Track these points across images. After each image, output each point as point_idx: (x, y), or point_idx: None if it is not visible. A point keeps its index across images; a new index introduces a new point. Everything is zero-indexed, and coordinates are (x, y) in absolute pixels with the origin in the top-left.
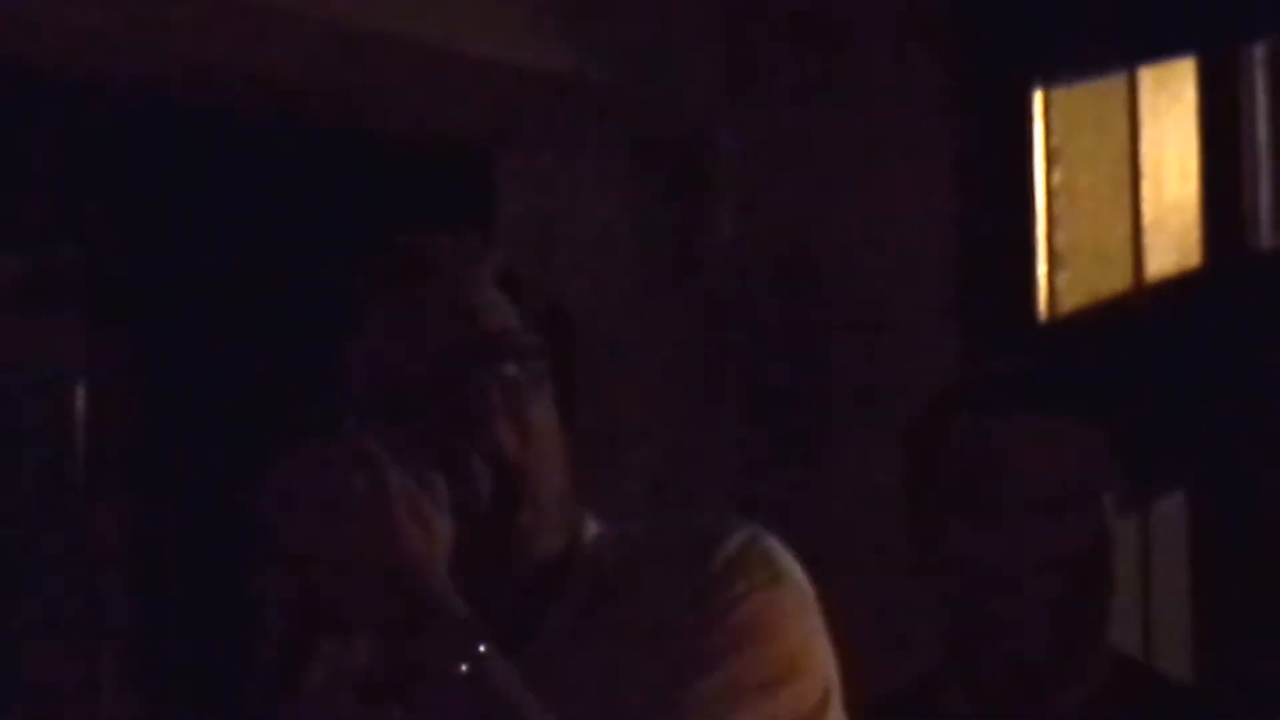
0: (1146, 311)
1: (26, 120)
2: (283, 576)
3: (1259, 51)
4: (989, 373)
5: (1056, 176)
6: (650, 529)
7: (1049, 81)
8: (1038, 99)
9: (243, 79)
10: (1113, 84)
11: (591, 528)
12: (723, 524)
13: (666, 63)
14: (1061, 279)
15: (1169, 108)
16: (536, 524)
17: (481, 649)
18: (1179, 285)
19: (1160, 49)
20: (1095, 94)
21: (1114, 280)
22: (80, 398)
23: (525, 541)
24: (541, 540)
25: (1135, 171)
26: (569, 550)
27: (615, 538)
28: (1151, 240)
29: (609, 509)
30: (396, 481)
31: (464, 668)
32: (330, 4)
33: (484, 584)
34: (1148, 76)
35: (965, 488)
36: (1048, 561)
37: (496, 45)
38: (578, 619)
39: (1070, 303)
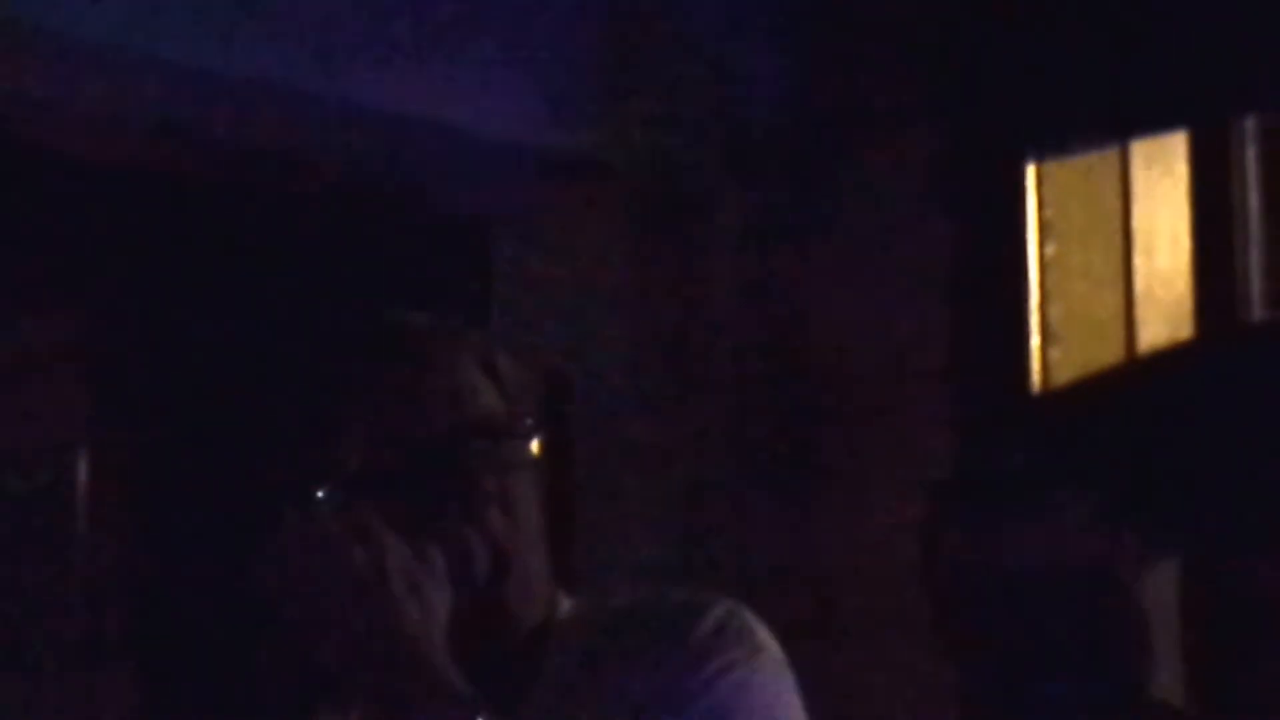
0: (1139, 384)
1: (27, 193)
2: (281, 647)
3: (1250, 125)
4: (985, 463)
5: (1049, 249)
6: (628, 602)
7: (1041, 155)
8: (1030, 172)
9: (240, 152)
10: (1105, 157)
11: (565, 602)
12: (699, 598)
13: (666, 143)
14: (1054, 352)
15: (1161, 181)
16: (520, 599)
17: None
18: (1171, 358)
19: (1152, 123)
20: (1087, 167)
21: (1106, 353)
22: (82, 465)
23: (509, 616)
24: (524, 614)
25: (1127, 244)
26: (546, 623)
27: (592, 610)
28: (1143, 313)
29: (602, 574)
30: (395, 555)
31: None
32: (329, 79)
33: (470, 657)
34: (1140, 150)
35: (972, 574)
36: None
37: (497, 123)
38: (560, 690)
39: (1063, 375)
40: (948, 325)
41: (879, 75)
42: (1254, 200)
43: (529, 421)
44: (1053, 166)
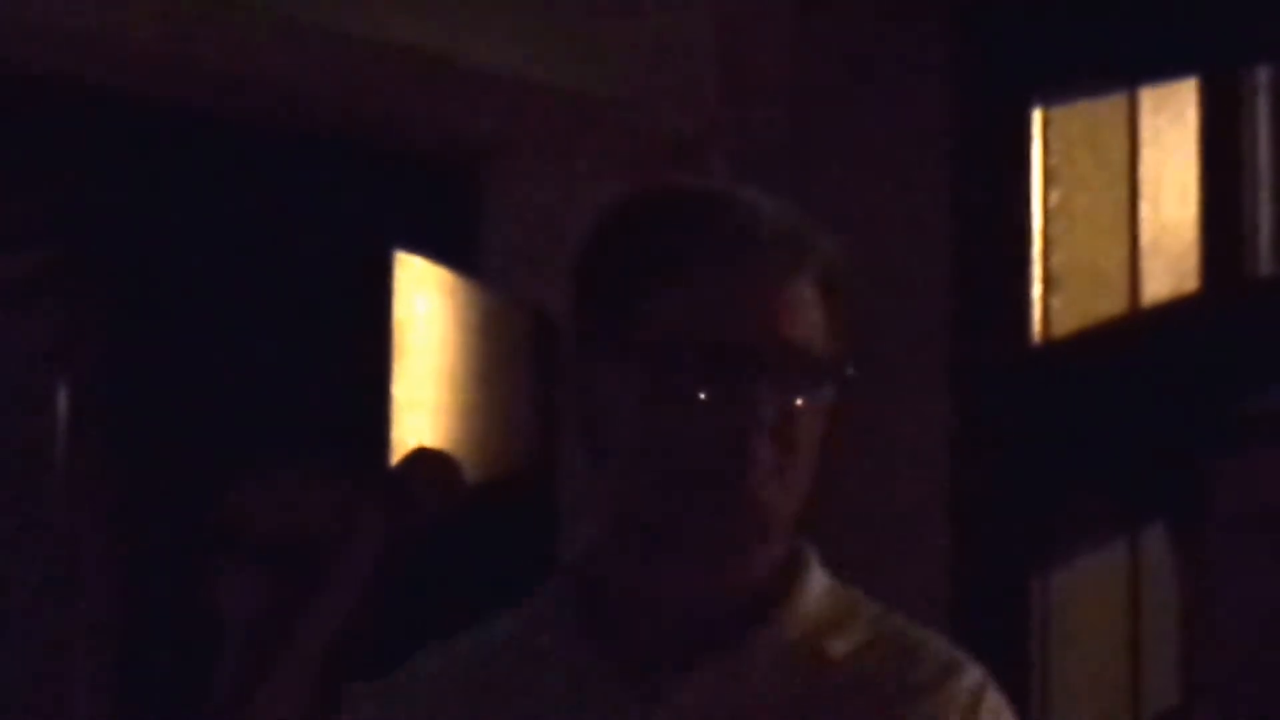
0: (1142, 336)
1: (5, 120)
2: (243, 582)
3: (1261, 74)
4: (1265, 404)
5: (1054, 197)
6: (885, 615)
7: (1048, 100)
8: (1036, 118)
9: (229, 81)
10: (1113, 104)
11: (817, 573)
12: (948, 653)
13: (660, 79)
14: (1056, 301)
15: (1169, 129)
16: (765, 553)
17: None
18: (1176, 310)
19: (1162, 70)
20: (1095, 114)
21: (1109, 303)
22: (62, 399)
23: (747, 566)
24: (761, 563)
25: (1133, 193)
26: (785, 579)
27: (840, 596)
28: (1149, 263)
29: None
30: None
31: None
32: (321, 8)
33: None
34: (1148, 97)
35: (1241, 522)
36: None
37: (490, 55)
38: (777, 657)
39: (1065, 326)
40: (949, 271)
41: (883, 16)
42: (1264, 151)
43: (840, 361)
44: (1059, 112)
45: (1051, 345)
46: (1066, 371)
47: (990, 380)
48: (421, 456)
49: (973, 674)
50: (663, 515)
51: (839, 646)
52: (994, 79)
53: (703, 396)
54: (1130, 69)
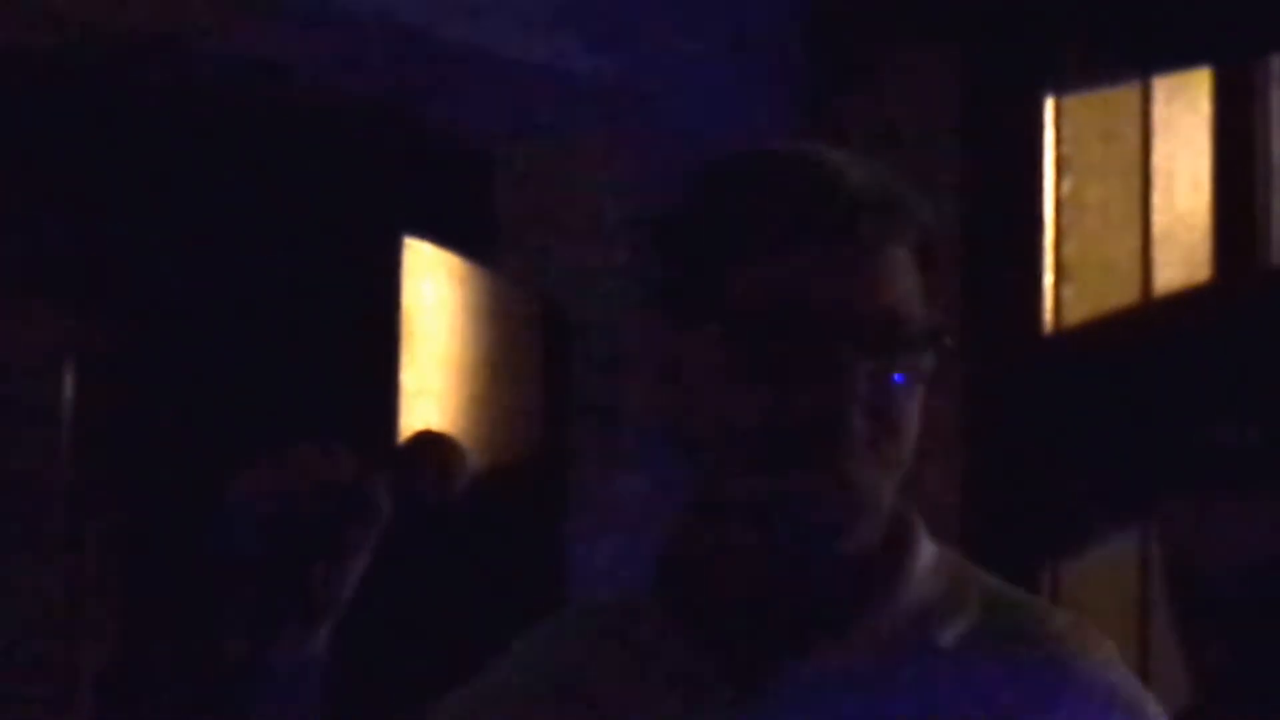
0: (1154, 326)
1: (13, 105)
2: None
3: (1275, 63)
4: (1207, 446)
5: (1066, 186)
6: (1005, 591)
7: (1060, 89)
8: (1049, 106)
9: (240, 67)
10: (1126, 93)
11: (925, 539)
12: (1068, 638)
13: (675, 65)
14: (1068, 291)
15: (1183, 118)
16: (861, 533)
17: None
18: (1188, 300)
19: (1175, 59)
20: (1107, 103)
21: (1122, 293)
22: (68, 382)
23: (844, 547)
24: (859, 541)
25: (1146, 183)
26: (893, 555)
27: (951, 567)
28: (1161, 253)
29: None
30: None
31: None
32: None
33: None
34: (1162, 86)
35: (1185, 572)
36: None
37: (507, 42)
38: (883, 644)
39: (1076, 315)
40: (959, 260)
41: (896, 3)
42: (1278, 141)
43: (938, 331)
44: (1072, 100)
45: (1063, 335)
46: (1078, 361)
47: (1001, 370)
48: (425, 439)
49: (1095, 647)
50: (752, 495)
51: (949, 635)
52: (1006, 67)
53: (794, 368)
54: (1143, 57)
